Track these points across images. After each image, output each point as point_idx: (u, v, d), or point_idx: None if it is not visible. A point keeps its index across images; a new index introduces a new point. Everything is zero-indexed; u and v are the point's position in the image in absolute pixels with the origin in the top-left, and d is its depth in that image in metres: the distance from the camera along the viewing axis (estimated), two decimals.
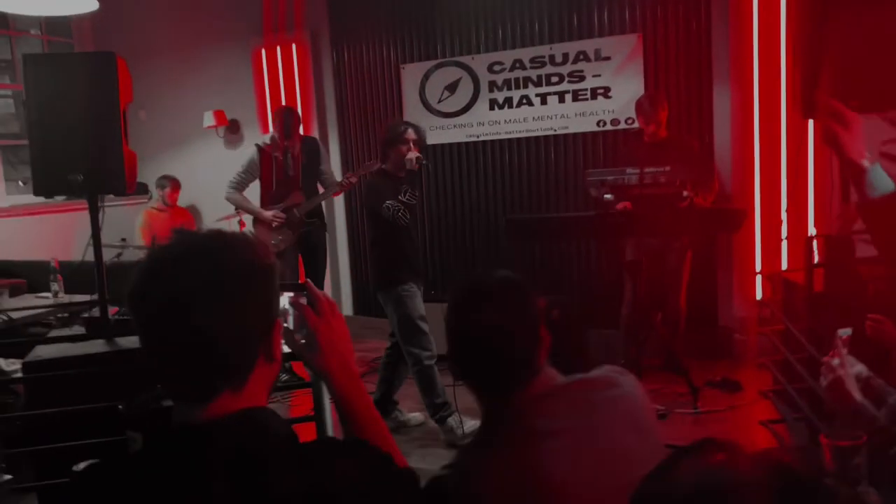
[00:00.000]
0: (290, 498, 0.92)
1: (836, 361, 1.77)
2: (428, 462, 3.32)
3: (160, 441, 1.02)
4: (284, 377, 4.83)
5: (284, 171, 4.99)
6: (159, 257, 1.01)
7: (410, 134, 3.86)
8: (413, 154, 3.81)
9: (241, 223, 5.93)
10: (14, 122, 8.02)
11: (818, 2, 3.14)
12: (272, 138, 5.01)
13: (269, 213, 4.95)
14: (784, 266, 4.44)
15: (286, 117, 4.96)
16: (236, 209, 5.20)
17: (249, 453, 0.94)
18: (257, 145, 5.04)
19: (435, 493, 1.30)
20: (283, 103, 6.12)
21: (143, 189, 6.41)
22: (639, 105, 4.55)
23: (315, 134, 6.24)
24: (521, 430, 1.35)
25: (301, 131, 5.21)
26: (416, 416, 4.11)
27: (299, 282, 1.19)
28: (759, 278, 4.66)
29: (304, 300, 1.17)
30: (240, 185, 5.03)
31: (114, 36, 6.45)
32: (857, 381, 1.75)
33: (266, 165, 4.97)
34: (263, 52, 6.25)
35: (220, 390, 0.99)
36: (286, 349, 1.14)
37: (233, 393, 0.99)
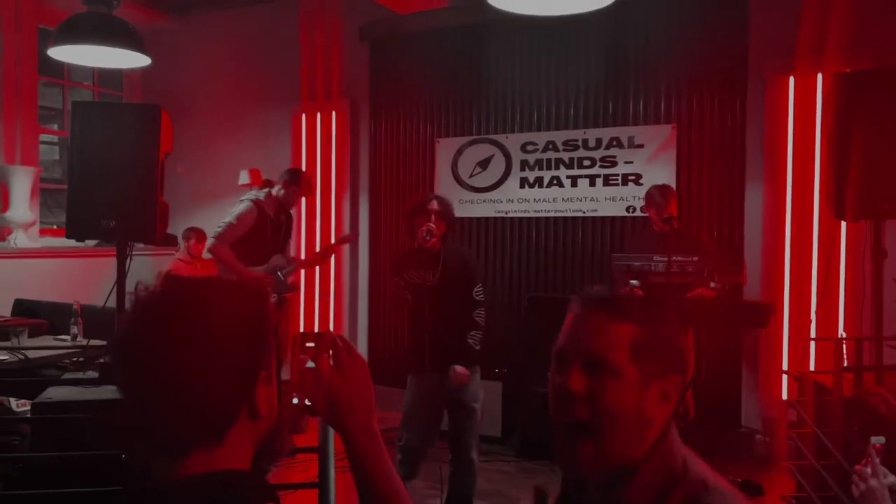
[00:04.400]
0: None
1: (868, 471, 1.69)
2: None
3: (135, 496, 0.98)
4: None
5: (277, 233, 4.73)
6: (140, 305, 0.97)
7: (433, 205, 3.54)
8: (426, 226, 3.48)
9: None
10: (56, 168, 8.27)
11: (849, 103, 3.18)
12: (268, 195, 4.71)
13: (257, 274, 4.59)
14: (812, 366, 4.32)
15: (307, 182, 4.77)
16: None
17: None
18: (255, 201, 4.65)
19: None
20: (321, 168, 6.24)
21: (172, 240, 6.49)
22: (649, 196, 4.47)
23: (347, 200, 6.32)
24: None
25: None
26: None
27: (321, 331, 1.13)
28: (784, 378, 4.54)
29: (325, 351, 1.10)
30: (228, 238, 4.53)
31: (162, 91, 6.68)
32: (892, 493, 1.67)
33: (262, 223, 4.62)
34: (304, 116, 6.42)
35: (190, 448, 0.94)
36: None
37: (207, 451, 0.95)
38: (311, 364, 1.09)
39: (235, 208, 4.68)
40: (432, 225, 3.47)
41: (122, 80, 7.23)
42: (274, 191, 4.72)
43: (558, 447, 1.12)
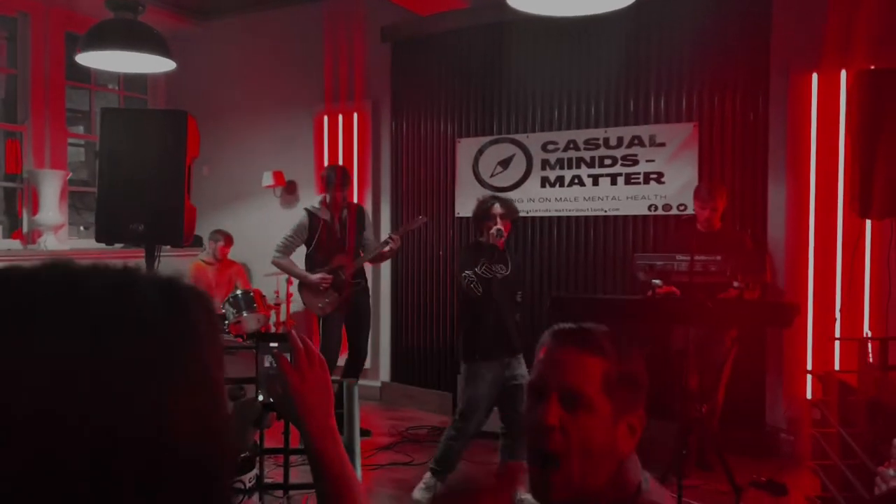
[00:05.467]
0: None
1: (891, 472, 1.69)
2: None
3: None
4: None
5: (333, 234, 5.05)
6: None
7: (497, 209, 3.93)
8: (495, 228, 3.88)
9: (290, 280, 6.04)
10: (83, 169, 8.41)
11: (874, 101, 3.15)
12: (322, 201, 5.11)
13: (315, 277, 4.99)
14: (837, 366, 4.29)
15: (335, 172, 5.08)
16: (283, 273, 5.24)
17: None
18: (307, 209, 5.11)
19: None
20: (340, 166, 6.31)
21: (198, 242, 6.58)
22: (697, 191, 4.58)
23: (369, 200, 6.37)
24: None
25: (353, 197, 5.34)
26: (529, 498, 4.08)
27: (283, 331, 1.19)
28: (809, 377, 4.51)
29: (286, 352, 1.15)
30: (287, 249, 5.06)
31: (185, 94, 6.78)
32: None
33: (316, 229, 5.03)
34: (325, 118, 6.47)
35: None
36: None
37: None
38: (271, 363, 1.15)
39: (292, 220, 5.19)
40: (500, 227, 3.90)
41: (146, 84, 7.34)
42: (327, 196, 5.10)
43: (532, 475, 1.17)
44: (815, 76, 4.62)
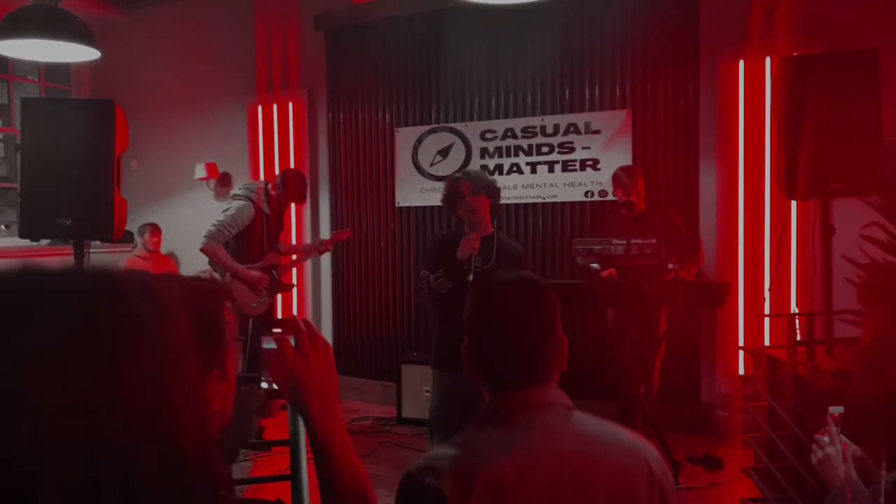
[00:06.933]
0: None
1: (826, 439, 1.76)
2: None
3: None
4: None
5: (270, 230, 4.75)
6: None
7: (464, 186, 3.36)
8: (467, 207, 3.32)
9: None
10: (2, 165, 8.03)
11: (796, 86, 3.27)
12: (259, 190, 4.72)
13: (255, 274, 4.63)
14: (767, 342, 4.46)
15: (303, 183, 4.83)
16: (210, 263, 4.70)
17: None
18: (250, 199, 4.65)
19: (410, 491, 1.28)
20: (279, 160, 6.20)
21: (129, 237, 6.38)
22: (616, 178, 4.63)
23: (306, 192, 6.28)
24: (506, 426, 1.34)
25: None
26: None
27: (286, 317, 1.17)
28: (741, 354, 4.67)
29: (290, 337, 1.13)
30: (222, 237, 4.54)
31: (112, 85, 6.53)
32: (854, 461, 1.74)
33: (258, 222, 4.63)
34: (260, 108, 6.34)
35: None
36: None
37: None
38: (272, 346, 1.13)
39: (230, 206, 4.65)
40: (472, 205, 3.35)
41: (70, 75, 7.05)
42: (270, 187, 4.74)
43: None
44: (741, 63, 4.77)
